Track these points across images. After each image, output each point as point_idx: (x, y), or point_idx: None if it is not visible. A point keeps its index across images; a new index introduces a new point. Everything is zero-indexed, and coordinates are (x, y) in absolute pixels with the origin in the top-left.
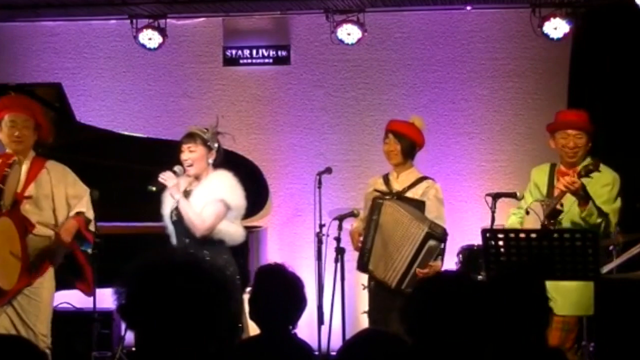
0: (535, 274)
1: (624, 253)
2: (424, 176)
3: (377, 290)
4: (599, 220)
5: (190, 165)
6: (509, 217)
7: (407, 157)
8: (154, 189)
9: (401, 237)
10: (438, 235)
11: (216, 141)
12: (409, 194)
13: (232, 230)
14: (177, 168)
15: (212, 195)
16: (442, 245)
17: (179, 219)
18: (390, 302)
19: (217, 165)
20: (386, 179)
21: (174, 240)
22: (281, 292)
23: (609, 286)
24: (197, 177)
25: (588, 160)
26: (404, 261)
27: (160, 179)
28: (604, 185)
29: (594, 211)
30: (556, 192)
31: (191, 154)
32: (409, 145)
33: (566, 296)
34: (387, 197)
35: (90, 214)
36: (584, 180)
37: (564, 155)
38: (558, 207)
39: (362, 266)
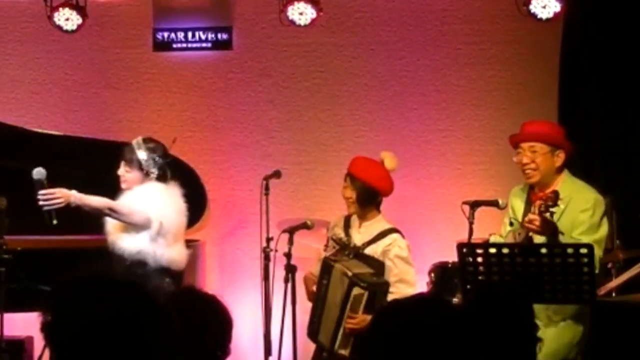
0: (521, 296)
1: (624, 271)
2: (390, 228)
3: None
4: None
5: (124, 182)
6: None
7: (366, 206)
8: (55, 222)
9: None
10: (363, 283)
11: (157, 169)
12: (369, 251)
13: (175, 254)
14: (36, 172)
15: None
16: (371, 295)
17: None
18: None
19: None
20: (347, 223)
21: None
22: (198, 318)
23: (607, 310)
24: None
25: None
26: (334, 317)
27: (47, 208)
28: (582, 210)
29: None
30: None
31: (127, 174)
32: (366, 194)
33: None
34: (338, 257)
35: None
36: (559, 208)
37: (523, 175)
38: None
39: (312, 335)
